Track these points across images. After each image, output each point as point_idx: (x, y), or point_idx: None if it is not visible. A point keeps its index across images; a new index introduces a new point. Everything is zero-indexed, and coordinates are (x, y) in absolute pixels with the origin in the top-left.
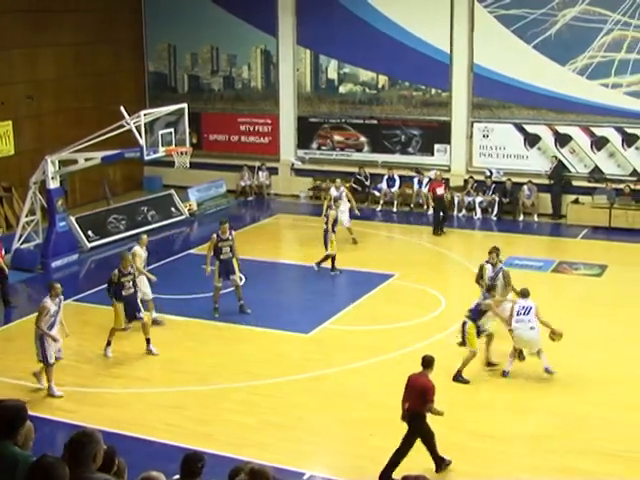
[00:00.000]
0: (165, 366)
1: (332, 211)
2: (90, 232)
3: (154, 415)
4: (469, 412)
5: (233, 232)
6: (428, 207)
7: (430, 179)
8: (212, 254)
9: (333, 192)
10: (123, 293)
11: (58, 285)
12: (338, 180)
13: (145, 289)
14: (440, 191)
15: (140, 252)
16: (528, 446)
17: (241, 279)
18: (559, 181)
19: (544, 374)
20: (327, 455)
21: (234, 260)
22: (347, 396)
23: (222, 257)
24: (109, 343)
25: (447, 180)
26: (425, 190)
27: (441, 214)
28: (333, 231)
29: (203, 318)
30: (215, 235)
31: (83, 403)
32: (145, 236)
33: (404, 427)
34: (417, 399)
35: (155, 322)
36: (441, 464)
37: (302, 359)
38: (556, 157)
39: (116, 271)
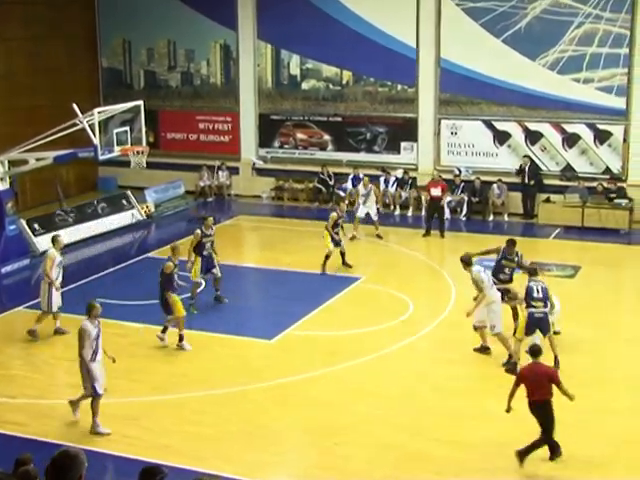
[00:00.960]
0: (121, 375)
1: (334, 213)
2: (36, 225)
3: (109, 427)
4: (435, 419)
5: (214, 227)
6: (395, 207)
7: (397, 178)
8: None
9: (361, 190)
10: (175, 285)
11: (98, 305)
12: (366, 178)
13: (57, 299)
14: (435, 192)
15: (54, 255)
16: (493, 453)
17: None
18: (537, 181)
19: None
20: (292, 466)
21: (214, 255)
22: (311, 404)
23: (205, 253)
24: (182, 337)
25: (447, 181)
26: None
27: (435, 216)
28: (331, 230)
29: (162, 325)
30: (199, 231)
31: (34, 415)
32: (61, 237)
33: (371, 434)
34: (545, 387)
35: (58, 331)
36: (556, 450)
37: (265, 366)
38: (529, 157)
39: (170, 263)
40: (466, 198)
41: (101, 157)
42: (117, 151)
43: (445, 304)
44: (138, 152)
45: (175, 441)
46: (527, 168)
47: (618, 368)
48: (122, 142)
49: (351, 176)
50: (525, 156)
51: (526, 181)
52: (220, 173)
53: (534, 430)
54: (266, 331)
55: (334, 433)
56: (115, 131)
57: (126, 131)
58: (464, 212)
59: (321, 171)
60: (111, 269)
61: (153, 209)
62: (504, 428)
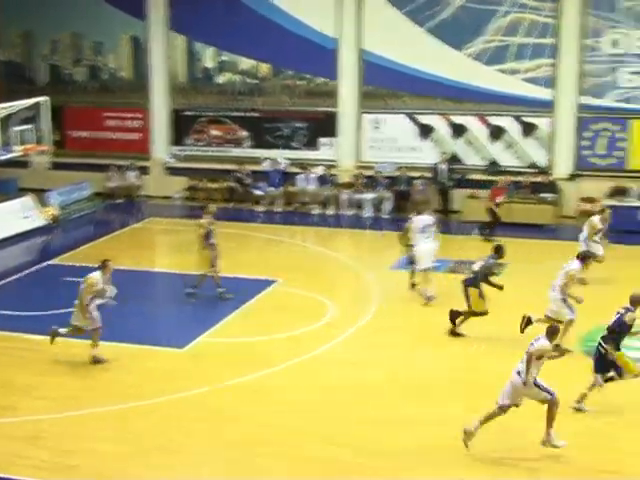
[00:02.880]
0: (21, 392)
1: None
2: None
3: (5, 448)
4: (355, 427)
5: None
6: (315, 206)
7: (318, 176)
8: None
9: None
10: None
11: None
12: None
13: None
14: (500, 199)
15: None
16: (416, 459)
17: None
18: (454, 180)
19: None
20: None
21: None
22: (228, 416)
23: (212, 242)
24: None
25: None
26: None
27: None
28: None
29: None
30: (204, 220)
31: None
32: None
33: (290, 446)
34: None
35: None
36: None
37: (177, 377)
38: (448, 153)
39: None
40: (388, 195)
41: (0, 157)
42: (18, 151)
43: (366, 307)
44: (41, 152)
45: (81, 461)
46: (444, 166)
47: None
48: (24, 141)
49: (302, 176)
50: (443, 152)
51: (440, 179)
52: (129, 173)
53: (459, 435)
54: (177, 339)
55: (254, 446)
56: (16, 129)
57: (28, 129)
58: (387, 209)
59: (238, 169)
60: (10, 278)
61: (58, 212)
62: (426, 434)
